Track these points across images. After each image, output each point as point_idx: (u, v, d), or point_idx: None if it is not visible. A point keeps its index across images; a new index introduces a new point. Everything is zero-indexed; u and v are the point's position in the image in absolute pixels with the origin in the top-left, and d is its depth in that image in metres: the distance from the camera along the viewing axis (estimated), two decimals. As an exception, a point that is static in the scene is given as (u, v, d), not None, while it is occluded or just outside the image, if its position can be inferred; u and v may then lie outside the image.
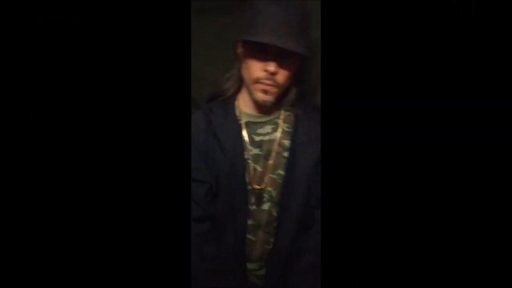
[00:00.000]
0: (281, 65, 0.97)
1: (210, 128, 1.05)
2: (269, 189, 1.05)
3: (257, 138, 1.06)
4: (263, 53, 0.96)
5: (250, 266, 1.08)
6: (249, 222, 1.05)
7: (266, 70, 0.96)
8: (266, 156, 1.05)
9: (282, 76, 0.98)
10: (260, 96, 1.00)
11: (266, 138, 1.07)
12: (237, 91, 1.09)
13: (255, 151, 1.06)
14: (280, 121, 1.08)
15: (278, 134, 1.07)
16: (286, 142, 1.07)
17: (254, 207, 1.05)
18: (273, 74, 0.96)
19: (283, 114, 1.09)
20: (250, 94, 1.03)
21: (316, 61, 1.37)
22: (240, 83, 1.08)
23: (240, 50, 1.02)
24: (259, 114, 1.08)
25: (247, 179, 1.04)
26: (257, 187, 1.05)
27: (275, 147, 1.06)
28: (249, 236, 1.06)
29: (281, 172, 1.05)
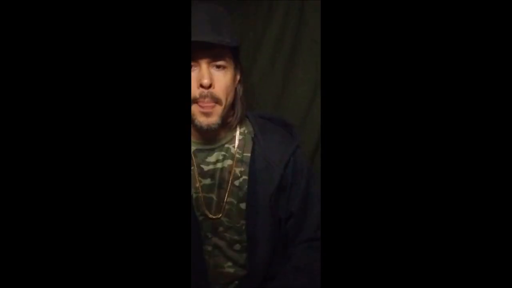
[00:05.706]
0: (214, 76, 0.91)
1: None
2: (225, 219, 1.01)
3: (206, 168, 0.98)
4: (195, 65, 0.90)
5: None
6: (208, 248, 1.03)
7: (201, 85, 0.89)
8: (220, 185, 0.99)
9: (219, 89, 0.91)
10: (203, 120, 0.91)
11: (218, 166, 0.99)
12: None
13: (206, 181, 0.99)
14: (231, 147, 0.99)
15: (229, 161, 0.99)
16: (238, 170, 0.99)
17: (210, 235, 1.02)
18: (208, 87, 0.89)
19: (235, 137, 1.00)
20: (193, 120, 0.92)
21: (254, 68, 1.33)
22: None
23: None
24: (205, 141, 0.98)
25: (199, 210, 1.00)
26: (213, 216, 1.00)
27: (227, 175, 0.98)
28: (206, 256, 1.03)
29: (234, 201, 1.00)
